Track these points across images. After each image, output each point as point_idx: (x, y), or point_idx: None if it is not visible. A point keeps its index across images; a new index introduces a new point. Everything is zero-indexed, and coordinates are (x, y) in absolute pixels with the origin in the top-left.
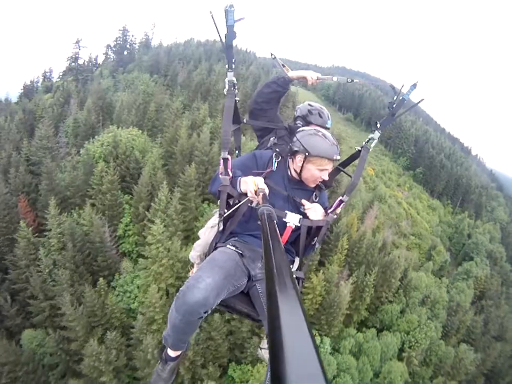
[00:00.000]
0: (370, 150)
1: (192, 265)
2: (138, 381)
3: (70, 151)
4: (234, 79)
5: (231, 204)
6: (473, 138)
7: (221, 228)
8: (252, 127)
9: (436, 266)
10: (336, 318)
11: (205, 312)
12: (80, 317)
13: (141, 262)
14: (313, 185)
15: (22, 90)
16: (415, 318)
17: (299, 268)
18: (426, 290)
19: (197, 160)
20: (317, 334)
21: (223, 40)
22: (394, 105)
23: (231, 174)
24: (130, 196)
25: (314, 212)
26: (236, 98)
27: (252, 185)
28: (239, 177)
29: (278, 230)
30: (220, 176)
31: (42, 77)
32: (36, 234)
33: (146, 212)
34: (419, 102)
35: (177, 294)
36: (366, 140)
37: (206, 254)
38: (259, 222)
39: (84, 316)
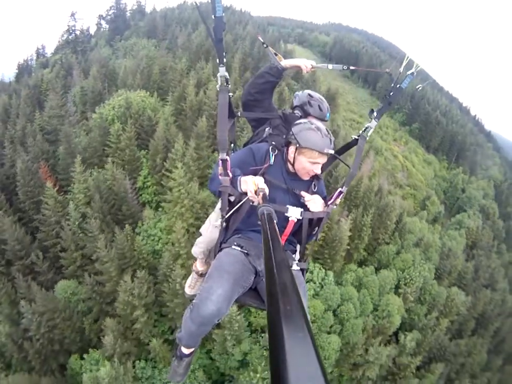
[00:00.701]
0: (367, 138)
1: (195, 259)
2: (165, 317)
3: (81, 117)
4: (226, 74)
5: (232, 201)
6: (473, 99)
7: (224, 225)
8: (246, 119)
9: (430, 216)
10: (338, 252)
11: (218, 320)
12: (113, 259)
13: (164, 206)
14: (306, 178)
15: (17, 70)
16: (409, 257)
17: (301, 256)
18: (420, 233)
19: (207, 114)
20: (321, 268)
21: (212, 33)
22: (391, 93)
23: (231, 175)
24: (146, 150)
25: (314, 203)
26: (230, 94)
27: (252, 185)
28: (239, 177)
29: (277, 229)
30: (220, 177)
31: (36, 54)
32: (62, 194)
33: (164, 163)
34: (418, 87)
35: (190, 306)
36: (363, 129)
37: (210, 251)
38: (259, 222)
39: (115, 258)
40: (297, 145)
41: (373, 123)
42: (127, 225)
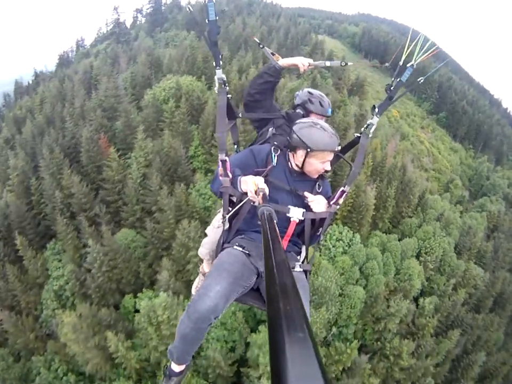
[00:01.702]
0: (370, 136)
1: (202, 261)
2: None
3: (131, 99)
4: (223, 76)
5: (234, 202)
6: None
7: (227, 226)
8: (249, 119)
9: (454, 199)
10: (364, 217)
11: (215, 318)
12: (171, 208)
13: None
14: (316, 176)
15: (58, 61)
16: (430, 229)
17: (306, 258)
18: (441, 209)
19: None
20: (349, 230)
21: (206, 37)
22: (392, 88)
23: (230, 175)
24: (197, 125)
25: (318, 204)
26: (228, 95)
27: (252, 185)
28: (239, 177)
29: (278, 230)
30: (220, 178)
31: (76, 46)
32: (123, 160)
33: (213, 134)
34: (419, 80)
35: (189, 303)
36: (365, 126)
37: (215, 252)
38: (259, 222)
39: (173, 207)
40: (308, 149)
41: (375, 119)
42: (182, 184)
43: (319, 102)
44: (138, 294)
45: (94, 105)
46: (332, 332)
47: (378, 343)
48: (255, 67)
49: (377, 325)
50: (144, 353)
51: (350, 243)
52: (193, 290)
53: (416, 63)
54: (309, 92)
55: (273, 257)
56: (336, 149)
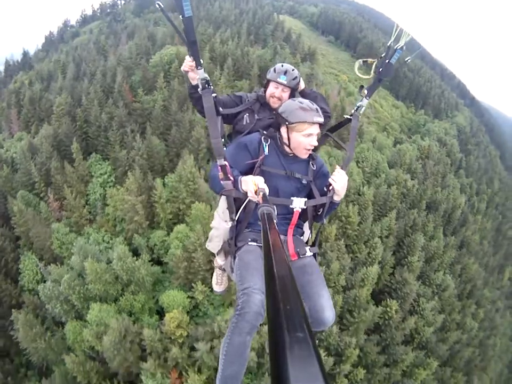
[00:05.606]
0: (360, 117)
1: (214, 255)
2: None
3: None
4: (206, 75)
5: (236, 198)
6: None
7: (235, 223)
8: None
9: (390, 139)
10: None
11: (262, 317)
12: (186, 121)
13: None
14: (305, 155)
15: (44, 41)
16: (365, 146)
17: (315, 242)
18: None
19: (230, 59)
20: None
21: (183, 36)
22: (380, 70)
23: (232, 178)
24: None
25: (340, 180)
26: (213, 94)
27: (252, 185)
28: (239, 178)
29: (278, 229)
30: (222, 182)
31: (63, 26)
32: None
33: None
34: (406, 60)
35: (237, 313)
36: (355, 108)
37: (227, 246)
38: (259, 223)
39: (187, 121)
40: (287, 123)
41: (364, 101)
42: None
43: (274, 68)
44: (165, 177)
45: (114, 65)
46: None
47: None
48: (232, 40)
49: None
50: (174, 206)
51: None
52: (215, 287)
53: (405, 43)
54: (279, 63)
55: (273, 258)
56: (314, 120)
